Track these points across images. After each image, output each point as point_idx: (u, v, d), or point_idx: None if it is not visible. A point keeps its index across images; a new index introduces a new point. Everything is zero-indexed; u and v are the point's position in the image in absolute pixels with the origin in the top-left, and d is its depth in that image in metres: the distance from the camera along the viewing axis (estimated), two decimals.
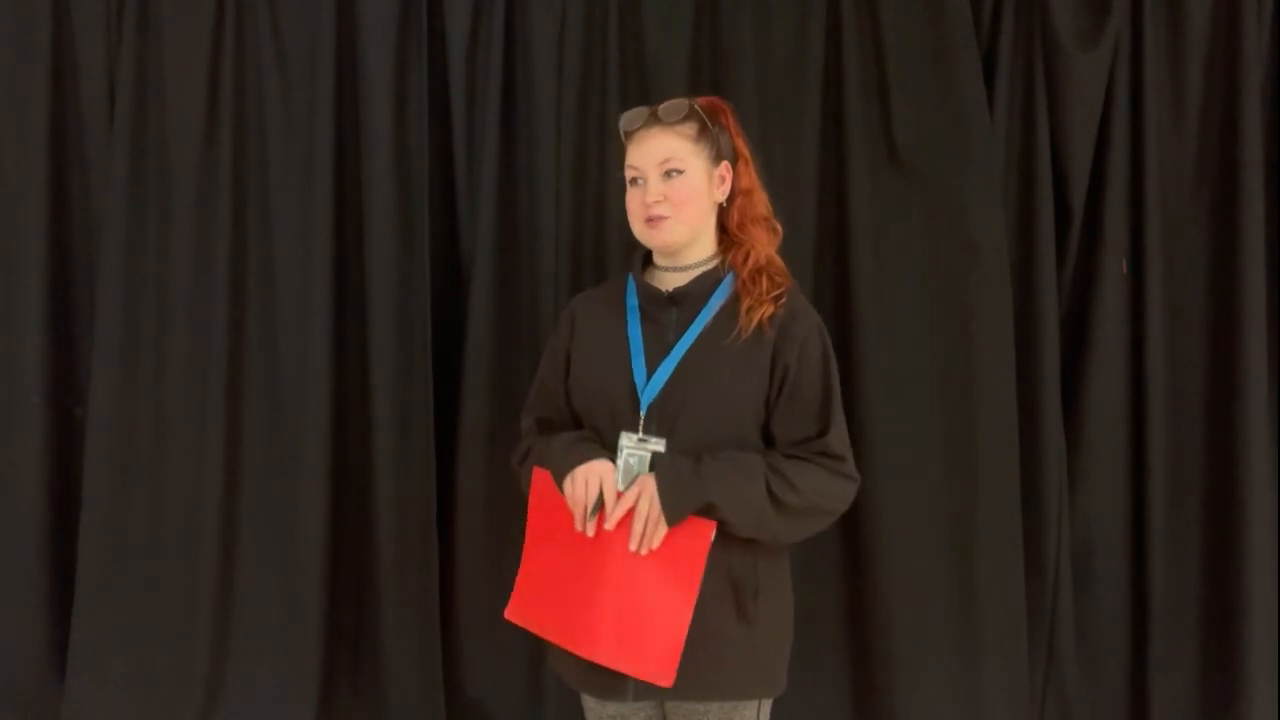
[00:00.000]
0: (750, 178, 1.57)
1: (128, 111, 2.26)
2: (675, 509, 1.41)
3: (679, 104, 1.52)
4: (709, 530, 1.41)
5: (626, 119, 1.56)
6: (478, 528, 2.25)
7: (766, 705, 1.54)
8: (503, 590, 2.23)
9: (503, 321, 2.26)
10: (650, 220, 1.49)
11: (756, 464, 1.45)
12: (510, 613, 1.58)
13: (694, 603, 1.41)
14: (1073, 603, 2.28)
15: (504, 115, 2.26)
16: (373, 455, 2.26)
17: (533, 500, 1.57)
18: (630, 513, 1.43)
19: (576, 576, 1.47)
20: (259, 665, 2.29)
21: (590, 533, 1.44)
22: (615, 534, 1.43)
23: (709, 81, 2.25)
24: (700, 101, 1.54)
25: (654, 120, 1.52)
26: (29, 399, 2.30)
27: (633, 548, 1.42)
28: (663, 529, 1.41)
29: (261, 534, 2.29)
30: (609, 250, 2.24)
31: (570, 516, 1.47)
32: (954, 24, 2.19)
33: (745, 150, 1.57)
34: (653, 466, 1.45)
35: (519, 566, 1.60)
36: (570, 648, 1.47)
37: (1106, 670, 2.31)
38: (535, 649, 2.27)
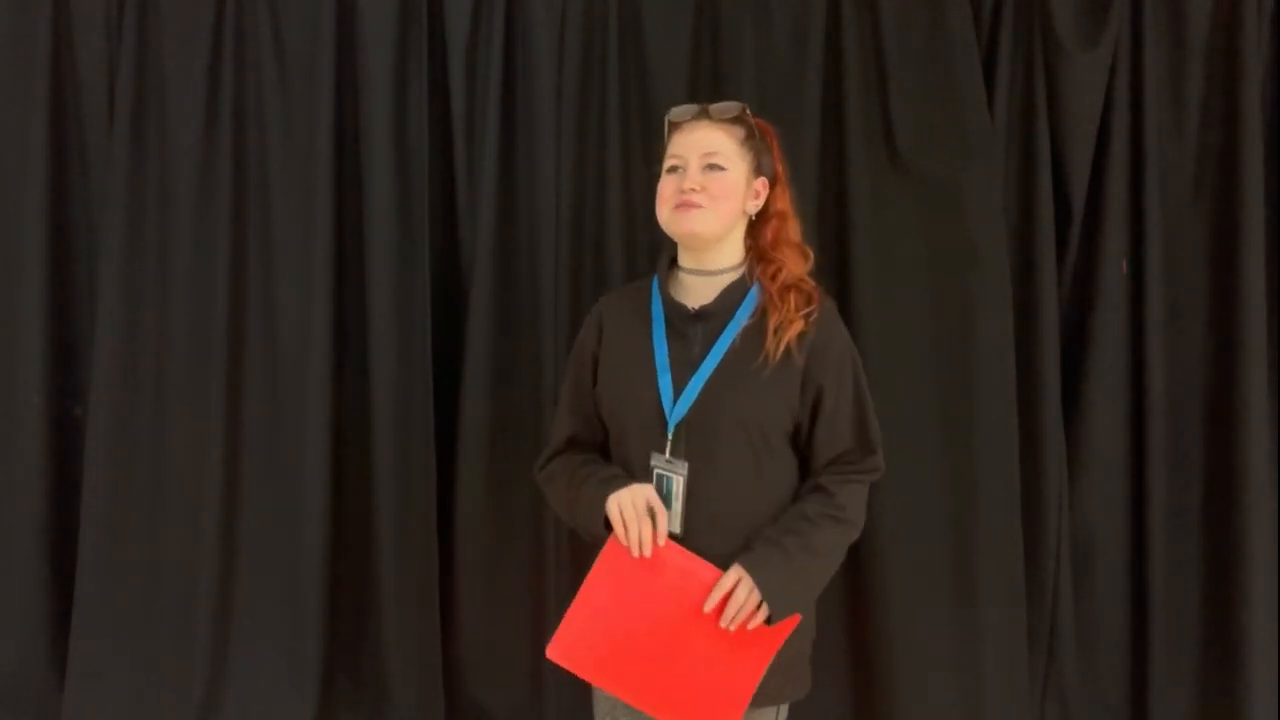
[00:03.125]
0: (787, 202, 1.58)
1: (128, 111, 2.26)
2: (781, 607, 1.42)
3: (732, 105, 1.53)
4: (792, 624, 1.43)
5: (676, 111, 1.56)
6: (478, 528, 2.25)
7: (784, 707, 1.55)
8: (502, 590, 2.26)
9: (503, 321, 2.26)
10: (681, 205, 1.48)
11: (829, 531, 1.47)
12: (554, 653, 1.46)
13: (759, 680, 1.42)
14: (1073, 603, 2.28)
15: (504, 115, 2.26)
16: (373, 455, 2.26)
17: (606, 554, 1.47)
18: (695, 581, 1.42)
19: (645, 631, 1.43)
20: (259, 665, 2.29)
21: (648, 554, 1.42)
22: (691, 601, 1.42)
23: (709, 81, 2.26)
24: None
25: (704, 115, 1.53)
26: (29, 399, 2.30)
27: (724, 624, 1.40)
28: (760, 618, 1.41)
29: (261, 534, 2.29)
30: (609, 250, 2.24)
31: (643, 575, 1.43)
32: (954, 24, 2.19)
33: (784, 176, 1.58)
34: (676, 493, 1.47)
35: (570, 607, 1.48)
36: (631, 700, 1.45)
37: (1106, 670, 2.31)
38: (535, 649, 2.26)
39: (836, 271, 2.25)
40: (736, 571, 1.41)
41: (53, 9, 2.29)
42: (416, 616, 2.24)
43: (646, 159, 2.25)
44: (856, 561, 2.22)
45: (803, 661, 1.56)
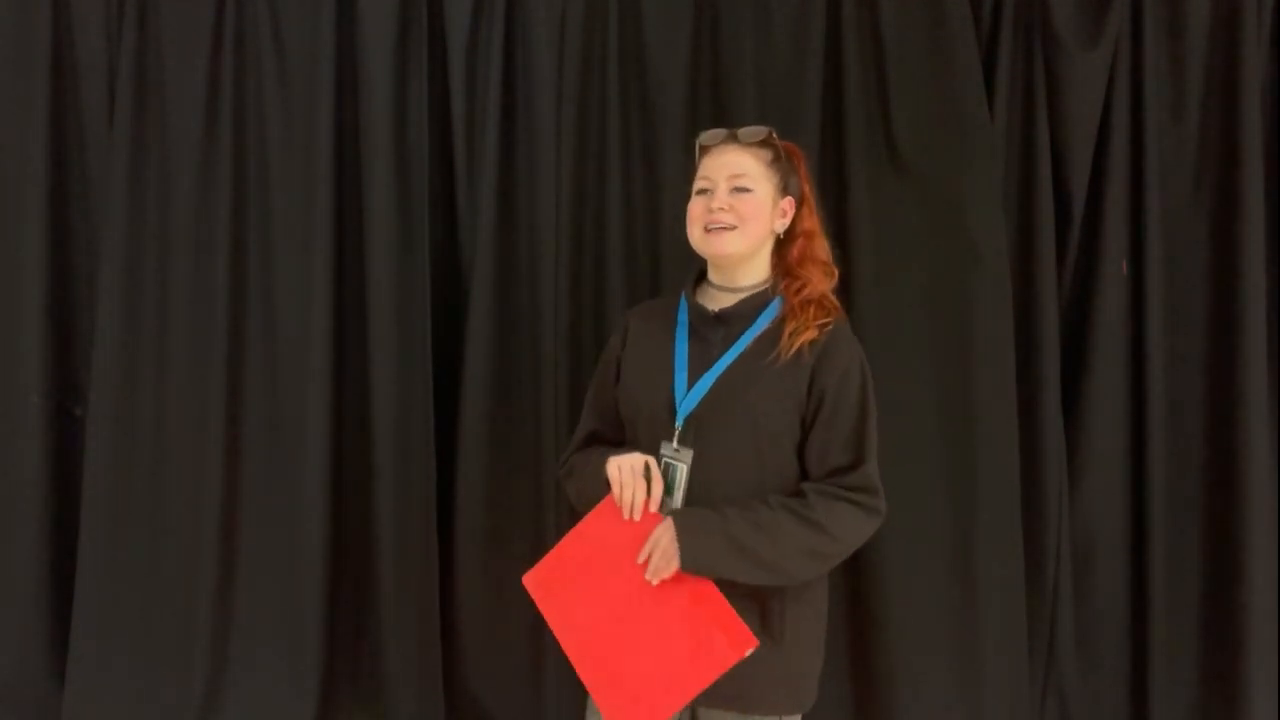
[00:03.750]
0: (814, 222, 1.62)
1: (128, 111, 2.27)
2: (691, 554, 1.42)
3: (759, 129, 1.58)
4: (746, 648, 1.41)
5: (706, 135, 1.62)
6: (478, 528, 2.25)
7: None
8: (502, 590, 2.25)
9: (503, 321, 2.27)
10: (710, 229, 1.53)
11: (786, 520, 1.44)
12: (529, 580, 1.55)
13: (690, 698, 1.41)
14: (1073, 603, 2.28)
15: (504, 115, 2.26)
16: (373, 455, 2.26)
17: (600, 510, 1.52)
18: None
19: (609, 594, 1.47)
20: (259, 665, 2.29)
21: (637, 518, 1.46)
22: (650, 585, 1.45)
23: (709, 82, 2.26)
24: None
25: (732, 139, 1.58)
26: (29, 399, 2.30)
27: (648, 575, 1.43)
28: (673, 565, 1.42)
29: (261, 534, 2.30)
30: (609, 250, 2.24)
31: (626, 541, 1.47)
32: (954, 24, 2.19)
33: (810, 197, 1.62)
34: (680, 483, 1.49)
35: (556, 545, 1.55)
36: (569, 653, 1.48)
37: (1107, 670, 2.31)
38: (535, 649, 2.27)
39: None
40: (666, 521, 1.44)
41: (52, 9, 2.30)
42: (416, 616, 2.24)
43: (646, 159, 2.26)
44: (857, 561, 2.22)
45: (809, 679, 1.56)
